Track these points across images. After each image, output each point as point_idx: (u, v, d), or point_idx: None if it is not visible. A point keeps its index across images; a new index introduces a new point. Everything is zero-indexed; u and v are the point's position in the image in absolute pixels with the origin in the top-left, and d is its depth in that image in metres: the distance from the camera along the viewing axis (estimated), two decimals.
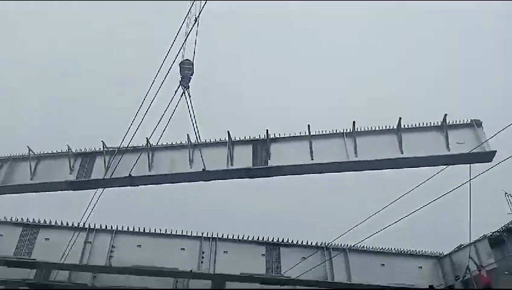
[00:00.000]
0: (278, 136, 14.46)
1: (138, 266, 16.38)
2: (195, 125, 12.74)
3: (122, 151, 13.88)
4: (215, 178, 14.35)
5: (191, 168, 14.25)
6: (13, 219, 16.89)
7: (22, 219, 16.94)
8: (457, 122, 14.06)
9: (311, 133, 14.10)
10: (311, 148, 13.89)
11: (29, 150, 15.88)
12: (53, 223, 16.90)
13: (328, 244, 17.72)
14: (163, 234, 17.26)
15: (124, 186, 14.80)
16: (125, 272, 16.85)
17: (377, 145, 13.82)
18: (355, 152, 13.77)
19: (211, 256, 17.04)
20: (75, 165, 15.61)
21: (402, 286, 17.67)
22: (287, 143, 14.33)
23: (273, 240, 17.83)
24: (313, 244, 17.90)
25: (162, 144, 14.66)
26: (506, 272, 15.22)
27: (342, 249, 17.77)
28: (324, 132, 14.32)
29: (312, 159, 13.73)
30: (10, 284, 18.01)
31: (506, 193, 15.97)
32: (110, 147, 15.31)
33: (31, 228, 16.77)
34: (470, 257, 15.84)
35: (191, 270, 16.54)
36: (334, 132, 14.35)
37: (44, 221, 16.96)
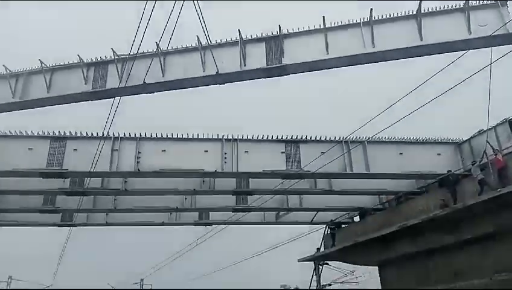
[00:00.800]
0: (291, 31, 13.96)
1: (165, 169, 17.27)
2: (204, 26, 11.90)
3: (133, 58, 13.67)
4: (230, 80, 14.21)
5: (204, 71, 14.08)
6: (40, 133, 17.49)
7: (47, 132, 17.53)
8: (480, 3, 13.23)
9: (326, 26, 13.54)
10: (326, 41, 13.46)
11: (41, 62, 15.74)
12: (78, 135, 17.54)
13: (346, 138, 18.24)
14: (185, 138, 17.85)
15: (140, 93, 14.87)
16: (154, 176, 17.83)
17: (396, 33, 13.27)
18: (373, 42, 13.33)
19: (233, 156, 17.82)
20: (89, 75, 15.57)
21: (420, 173, 18.52)
22: (300, 38, 13.85)
23: (292, 138, 18.38)
24: (331, 139, 18.46)
25: (172, 48, 14.41)
26: None
27: (360, 141, 18.31)
28: (340, 23, 13.74)
29: (327, 54, 13.39)
30: (48, 194, 19.65)
31: None
32: (121, 55, 15.08)
33: (59, 140, 17.44)
34: (487, 141, 16.11)
35: (216, 170, 17.45)
36: (351, 22, 13.78)
37: (70, 133, 17.57)
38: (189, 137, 17.89)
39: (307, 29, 13.82)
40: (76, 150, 17.50)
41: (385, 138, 18.45)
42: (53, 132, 17.53)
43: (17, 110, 16.31)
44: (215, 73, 13.64)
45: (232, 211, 21.93)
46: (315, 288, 26.71)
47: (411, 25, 13.37)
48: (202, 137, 17.96)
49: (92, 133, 17.52)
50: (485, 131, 17.16)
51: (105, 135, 16.42)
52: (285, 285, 34.35)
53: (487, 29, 12.43)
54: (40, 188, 18.46)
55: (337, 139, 18.43)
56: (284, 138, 18.39)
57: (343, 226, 25.53)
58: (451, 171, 17.58)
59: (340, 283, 27.62)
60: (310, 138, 18.49)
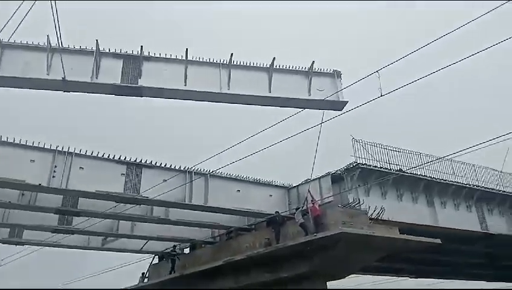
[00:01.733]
0: (153, 55, 14.09)
1: None
2: (57, 25, 11.12)
3: None
4: (77, 90, 13.44)
5: (48, 74, 13.06)
6: None
7: None
8: (322, 70, 15.67)
9: (188, 58, 14.12)
10: (186, 73, 13.99)
11: None
12: None
13: (190, 168, 18.74)
14: (9, 142, 15.82)
15: None
16: None
17: (249, 81, 14.67)
18: (229, 84, 14.40)
19: (65, 171, 16.40)
20: None
21: (252, 211, 20.08)
22: (161, 64, 14.09)
23: (135, 160, 18.00)
24: (175, 167, 18.73)
25: (14, 42, 13.02)
26: (340, 205, 18.47)
27: (203, 173, 19.05)
28: (201, 59, 14.44)
29: (185, 85, 13.88)
30: None
31: (353, 138, 18.78)
32: None
33: None
34: (308, 191, 18.59)
35: (40, 184, 15.73)
36: (211, 60, 14.61)
37: None
38: (14, 142, 15.86)
39: (169, 57, 14.16)
40: None
41: (226, 173, 19.61)
42: None
43: None
44: (61, 79, 12.74)
45: (52, 232, 20.02)
46: None
47: (263, 76, 14.91)
48: (32, 145, 16.11)
49: None
50: (310, 180, 19.76)
51: None
52: None
53: (323, 94, 14.72)
54: None
55: (181, 168, 18.77)
56: (128, 159, 17.84)
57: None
58: (278, 212, 19.53)
59: None
60: (155, 163, 18.40)
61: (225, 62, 14.69)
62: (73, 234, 20.42)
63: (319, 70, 15.61)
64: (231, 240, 22.04)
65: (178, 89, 13.81)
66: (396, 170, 19.68)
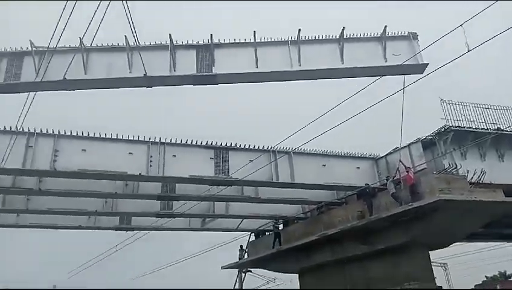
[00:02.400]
0: (223, 42, 14.49)
1: (84, 169, 16.83)
2: (132, 26, 11.85)
3: (53, 51, 13.29)
4: (158, 84, 14.31)
5: (130, 72, 14.04)
6: None
7: None
8: (396, 34, 14.83)
9: (257, 40, 14.27)
10: (256, 56, 14.20)
11: None
12: None
13: (273, 147, 19.19)
14: (109, 138, 17.56)
15: (58, 90, 14.41)
16: (72, 176, 17.36)
17: (320, 55, 14.48)
18: (299, 61, 14.34)
19: (160, 160, 17.82)
20: (1, 66, 14.69)
21: (341, 185, 20.03)
22: (231, 49, 14.43)
23: (221, 144, 18.92)
24: (259, 148, 19.34)
25: (97, 45, 14.20)
26: (434, 172, 17.60)
27: (286, 151, 19.42)
28: (269, 39, 14.52)
29: (257, 68, 14.12)
30: None
31: (442, 100, 17.62)
32: (39, 47, 14.53)
33: None
34: (399, 160, 17.93)
35: (140, 174, 17.35)
36: (280, 39, 14.63)
37: None
38: (113, 137, 17.61)
39: (238, 41, 14.44)
40: None
41: (310, 149, 19.72)
42: None
43: None
44: (142, 75, 13.62)
45: (156, 217, 21.96)
46: None
47: (334, 48, 14.62)
48: (127, 138, 17.75)
49: (4, 127, 16.51)
50: (400, 148, 19.04)
51: (18, 130, 15.97)
52: None
53: (400, 59, 14.00)
54: None
55: (265, 148, 19.35)
56: (214, 144, 18.83)
57: (267, 233, 26.55)
58: (368, 184, 19.22)
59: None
60: (240, 145, 19.15)
61: (294, 39, 14.63)
62: (174, 217, 22.16)
63: (392, 35, 14.86)
64: (322, 215, 22.29)
65: (250, 72, 14.10)
66: (494, 129, 18.24)
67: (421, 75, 12.96)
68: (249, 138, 20.15)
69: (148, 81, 13.94)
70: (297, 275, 24.85)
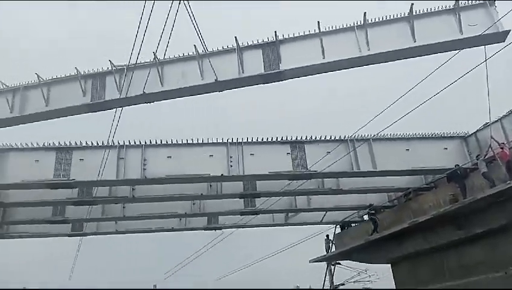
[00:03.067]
0: (287, 37, 14.63)
1: (171, 175, 18.09)
2: (200, 35, 12.62)
3: (131, 68, 14.48)
4: (229, 87, 14.85)
5: (202, 79, 14.71)
6: (45, 144, 18.25)
7: (53, 143, 18.29)
8: (470, 4, 13.86)
9: (321, 30, 14.22)
10: (322, 46, 14.13)
11: (38, 76, 16.35)
12: (84, 145, 18.32)
13: (351, 136, 18.96)
14: (190, 143, 18.68)
15: (139, 103, 15.54)
16: (160, 182, 18.69)
17: (390, 36, 13.97)
18: (368, 45, 14.00)
19: (239, 159, 18.60)
20: (87, 87, 16.25)
21: (427, 168, 19.16)
22: (296, 43, 14.52)
23: (296, 138, 19.11)
24: (335, 138, 19.19)
25: (169, 57, 15.08)
26: None
27: (365, 139, 19.05)
28: (334, 27, 14.40)
29: (324, 58, 14.06)
30: (57, 204, 20.66)
31: None
32: (119, 66, 15.84)
33: (64, 151, 18.28)
34: (491, 136, 16.67)
35: (222, 174, 18.27)
36: (345, 26, 14.42)
37: (75, 143, 18.36)
38: (194, 142, 18.68)
39: (302, 34, 14.52)
40: (82, 159, 18.32)
41: (390, 134, 19.12)
42: (58, 143, 18.33)
43: (16, 124, 16.92)
44: (214, 80, 14.33)
45: (240, 215, 22.88)
46: (328, 288, 27.51)
47: (404, 27, 14.02)
48: (207, 142, 18.73)
49: (97, 143, 18.30)
50: (490, 124, 17.70)
51: (110, 144, 17.62)
52: (298, 286, 35.07)
53: (477, 29, 13.10)
54: (49, 198, 19.45)
55: (341, 138, 19.15)
56: (289, 139, 19.08)
57: (352, 225, 26.26)
58: (458, 165, 18.17)
59: (353, 282, 28.38)
60: (315, 138, 19.20)
61: (360, 23, 14.32)
62: (258, 214, 22.85)
63: (465, 5, 13.88)
64: (410, 202, 21.52)
65: (317, 64, 14.07)
66: None
67: (503, 44, 11.99)
68: (324, 128, 20.12)
69: (220, 86, 14.60)
70: (389, 264, 24.33)
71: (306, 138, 19.16)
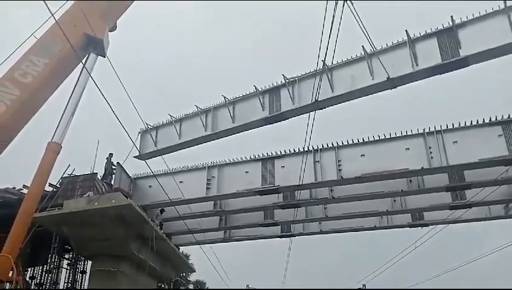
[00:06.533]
0: (466, 19, 14.07)
1: (366, 173, 19.29)
2: (367, 33, 13.18)
3: (301, 78, 16.57)
4: (401, 83, 15.17)
5: (373, 79, 15.42)
6: (252, 157, 22.10)
7: (258, 155, 21.99)
8: None
9: (508, 5, 13.25)
10: (510, 21, 13.17)
11: (225, 98, 20.37)
12: (283, 153, 21.34)
13: None
14: (382, 139, 19.54)
15: (311, 111, 16.60)
16: (356, 181, 20.12)
17: None
18: None
19: (440, 149, 18.45)
20: (265, 102, 19.39)
21: None
22: (479, 24, 13.88)
23: (509, 117, 17.77)
24: None
25: (337, 62, 16.26)
26: None
27: None
28: None
29: None
30: (266, 209, 24.54)
31: None
32: (290, 78, 18.35)
33: (268, 161, 21.73)
34: None
35: (422, 167, 18.43)
36: None
37: (276, 153, 21.56)
38: (387, 137, 19.44)
39: (483, 13, 13.76)
40: (283, 167, 21.36)
41: None
42: (262, 154, 21.86)
43: (209, 141, 21.56)
44: (386, 79, 14.92)
45: (450, 209, 22.34)
46: None
47: None
48: (400, 135, 19.18)
49: (294, 150, 21.04)
50: None
51: (305, 149, 20.06)
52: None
53: None
54: (259, 204, 23.23)
55: None
56: (499, 119, 17.93)
57: None
58: None
59: None
60: None
61: None
62: (470, 207, 21.96)
63: None
64: None
65: (507, 44, 13.19)
66: None
67: None
68: None
69: (392, 83, 15.07)
70: None
71: None
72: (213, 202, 23.97)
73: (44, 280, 24.68)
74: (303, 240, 29.53)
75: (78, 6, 14.97)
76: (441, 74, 14.82)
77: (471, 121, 18.38)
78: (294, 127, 19.17)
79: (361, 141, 20.07)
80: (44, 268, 25.06)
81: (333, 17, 10.73)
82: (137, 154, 22.12)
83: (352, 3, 11.55)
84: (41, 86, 13.64)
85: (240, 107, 20.66)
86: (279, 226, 27.07)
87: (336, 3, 11.00)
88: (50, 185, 21.57)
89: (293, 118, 19.15)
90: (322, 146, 20.79)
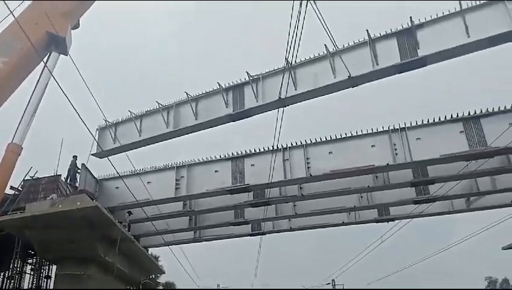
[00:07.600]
0: (424, 21, 14.77)
1: (334, 170, 19.89)
2: (329, 33, 13.58)
3: (265, 76, 17.00)
4: (362, 82, 15.78)
5: (335, 77, 15.99)
6: (221, 156, 22.42)
7: (227, 154, 22.34)
8: None
9: (462, 8, 14.06)
10: (465, 23, 13.88)
11: (187, 94, 20.44)
12: (253, 152, 21.75)
13: None
14: (349, 137, 20.23)
15: (276, 108, 17.57)
16: (325, 178, 20.76)
17: None
18: None
19: (404, 146, 19.22)
20: (229, 99, 19.73)
21: None
22: (436, 25, 14.60)
23: (469, 114, 18.65)
24: None
25: (300, 61, 16.79)
26: None
27: None
28: (478, 2, 13.99)
29: (469, 37, 13.83)
30: (237, 208, 24.95)
31: None
32: (254, 75, 18.78)
33: (237, 160, 22.13)
34: None
35: (387, 164, 19.17)
36: None
37: (245, 151, 21.95)
38: (353, 135, 20.12)
39: (441, 15, 14.51)
40: (253, 165, 21.78)
41: None
42: (232, 153, 22.23)
43: (171, 138, 21.60)
44: (347, 77, 15.51)
45: (414, 203, 23.26)
46: None
47: None
48: (366, 132, 19.92)
49: (263, 149, 21.52)
50: None
51: (275, 148, 20.41)
52: (490, 277, 33.25)
53: None
54: (230, 203, 23.59)
55: None
56: (460, 115, 18.80)
57: None
58: None
59: None
60: (493, 110, 18.44)
61: None
62: (434, 201, 22.97)
63: None
64: None
65: (462, 44, 13.92)
66: None
67: None
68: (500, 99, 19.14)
69: (353, 81, 15.65)
70: None
71: (481, 112, 18.56)
72: (182, 202, 24.18)
73: (6, 286, 24.27)
74: (273, 237, 30.18)
75: (39, 3, 14.74)
76: (400, 73, 15.48)
77: (434, 118, 19.19)
78: (264, 126, 19.69)
79: (329, 138, 20.67)
80: (6, 274, 24.56)
81: (298, 15, 11.18)
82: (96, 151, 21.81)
83: (315, 3, 11.99)
84: (0, 85, 13.37)
85: (203, 104, 20.90)
86: (250, 225, 27.60)
87: (300, 3, 11.38)
88: (11, 188, 21.33)
89: (258, 115, 19.57)
90: (291, 144, 21.31)
